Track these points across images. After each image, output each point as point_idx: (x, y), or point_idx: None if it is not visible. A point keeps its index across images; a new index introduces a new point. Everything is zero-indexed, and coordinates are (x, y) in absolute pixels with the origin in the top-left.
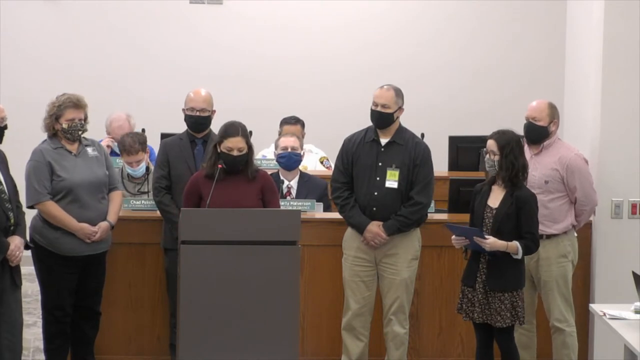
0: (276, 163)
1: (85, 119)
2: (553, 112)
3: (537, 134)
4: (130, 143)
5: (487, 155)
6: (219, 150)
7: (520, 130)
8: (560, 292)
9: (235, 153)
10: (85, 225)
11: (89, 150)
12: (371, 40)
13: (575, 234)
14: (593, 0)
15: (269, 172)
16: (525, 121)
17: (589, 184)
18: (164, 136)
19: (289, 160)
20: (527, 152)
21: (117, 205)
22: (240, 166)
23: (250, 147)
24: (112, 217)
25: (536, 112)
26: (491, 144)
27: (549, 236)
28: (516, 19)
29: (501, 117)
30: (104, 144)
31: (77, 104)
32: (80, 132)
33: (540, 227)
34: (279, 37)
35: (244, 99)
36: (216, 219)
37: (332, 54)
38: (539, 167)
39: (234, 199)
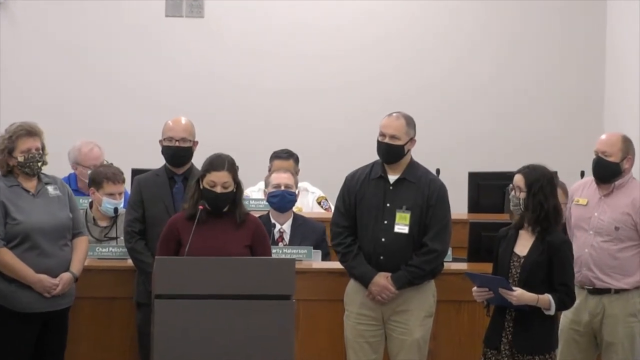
0: (266, 204)
1: (43, 148)
2: (627, 146)
3: (608, 171)
4: (114, 171)
5: (513, 192)
6: (201, 187)
7: (553, 167)
8: (626, 357)
9: (218, 190)
10: (44, 277)
11: (50, 188)
12: (380, 65)
13: None
14: (633, 25)
15: (257, 215)
16: (594, 156)
17: None
18: (135, 172)
19: (282, 200)
20: (596, 192)
21: (82, 253)
22: (224, 206)
23: (238, 185)
24: (75, 267)
25: (607, 146)
26: (518, 179)
27: (617, 291)
28: (545, 43)
29: (530, 150)
30: (79, 174)
31: (31, 131)
32: (39, 164)
33: (608, 280)
34: (270, 55)
35: (227, 129)
36: (196, 269)
37: (333, 75)
38: (609, 210)
39: (216, 246)
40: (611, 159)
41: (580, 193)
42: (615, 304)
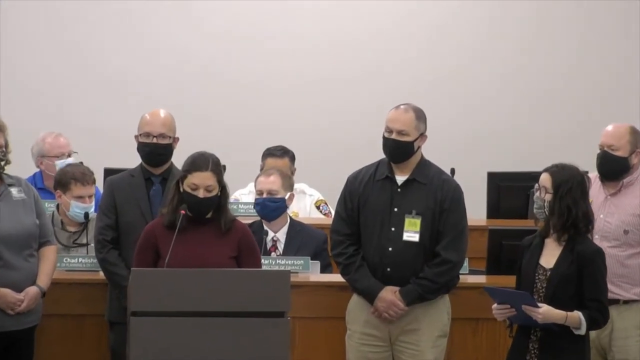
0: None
1: (7, 145)
2: (636, 138)
3: (615, 167)
4: (83, 170)
5: (537, 193)
6: (181, 189)
7: (585, 167)
8: None
9: (201, 194)
10: (7, 292)
11: (14, 191)
12: (390, 54)
13: None
14: None
15: (250, 221)
16: (598, 150)
17: None
18: (108, 172)
19: (265, 208)
20: (602, 191)
21: (51, 264)
22: (207, 212)
23: (223, 188)
24: (43, 280)
25: (613, 139)
26: (545, 179)
27: (626, 301)
28: (574, 33)
29: (556, 148)
30: (45, 168)
31: None
32: (2, 163)
33: (616, 290)
34: (265, 42)
35: (213, 124)
36: (177, 283)
37: (336, 64)
38: (617, 211)
39: (197, 256)
40: (618, 153)
41: None
42: (625, 315)
